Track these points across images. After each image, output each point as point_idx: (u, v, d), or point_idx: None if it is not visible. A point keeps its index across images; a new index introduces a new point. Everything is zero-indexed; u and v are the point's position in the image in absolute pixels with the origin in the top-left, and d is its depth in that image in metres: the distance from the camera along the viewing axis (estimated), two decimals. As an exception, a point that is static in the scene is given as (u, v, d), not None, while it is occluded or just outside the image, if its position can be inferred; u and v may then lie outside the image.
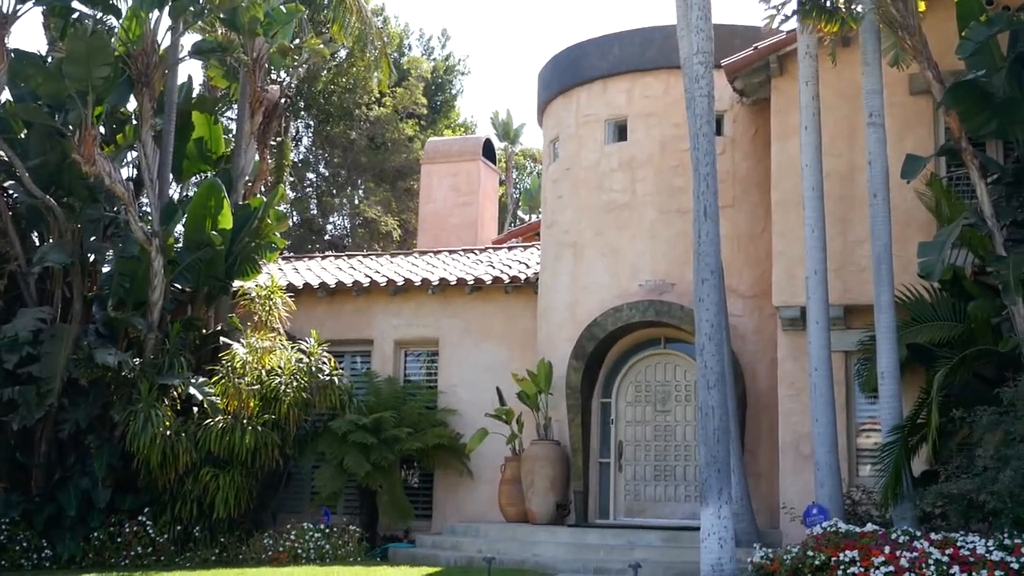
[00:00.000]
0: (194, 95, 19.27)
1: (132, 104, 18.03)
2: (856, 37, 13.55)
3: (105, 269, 17.81)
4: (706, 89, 12.11)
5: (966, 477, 11.75)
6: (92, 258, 17.64)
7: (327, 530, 15.35)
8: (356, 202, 33.70)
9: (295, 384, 16.27)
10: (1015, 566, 10.66)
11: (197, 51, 18.99)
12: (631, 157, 16.29)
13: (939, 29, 13.15)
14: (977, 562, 10.80)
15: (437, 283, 18.15)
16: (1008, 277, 11.86)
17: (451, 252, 21.10)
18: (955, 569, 10.81)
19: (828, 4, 12.75)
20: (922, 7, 12.91)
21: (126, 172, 18.17)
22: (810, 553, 11.54)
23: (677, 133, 15.67)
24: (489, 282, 17.98)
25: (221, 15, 18.00)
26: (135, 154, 18.07)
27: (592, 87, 16.79)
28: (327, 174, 34.32)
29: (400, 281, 18.48)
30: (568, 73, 17.19)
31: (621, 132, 16.55)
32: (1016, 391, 11.66)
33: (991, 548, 10.90)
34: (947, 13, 13.22)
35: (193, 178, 19.89)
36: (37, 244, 17.79)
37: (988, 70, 12.27)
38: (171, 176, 18.13)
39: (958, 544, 11.04)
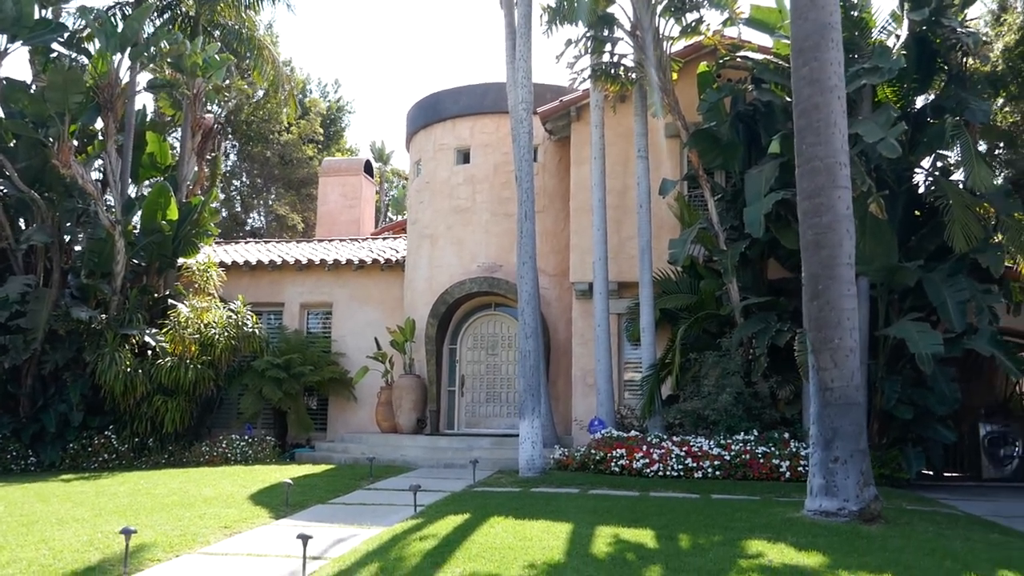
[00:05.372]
0: (147, 119, 18.28)
1: (99, 124, 17.05)
2: (630, 96, 13.91)
3: (77, 248, 16.81)
4: (527, 128, 12.24)
5: (696, 399, 12.28)
6: (67, 239, 16.62)
7: (250, 440, 14.95)
8: (270, 203, 32.66)
9: (226, 334, 15.72)
10: (727, 457, 11.27)
11: (151, 86, 18.15)
12: (472, 175, 16.29)
13: (685, 93, 13.62)
14: (703, 455, 11.36)
15: (332, 262, 17.80)
16: (727, 264, 12.41)
17: (341, 240, 20.75)
18: (689, 460, 11.35)
19: (612, 72, 13.02)
20: (675, 76, 13.31)
21: (94, 175, 17.17)
22: (593, 451, 11.90)
23: (505, 159, 15.80)
24: (369, 262, 17.75)
25: (169, 59, 17.13)
26: (101, 162, 17.18)
27: (445, 124, 16.69)
28: (248, 182, 33.15)
29: (304, 260, 18.07)
30: (428, 113, 17.04)
31: (466, 157, 16.51)
32: (730, 341, 12.24)
33: (712, 446, 11.49)
34: (691, 81, 13.71)
35: (146, 182, 18.89)
36: (23, 228, 16.66)
37: (717, 122, 12.76)
38: (130, 180, 17.21)
39: (691, 444, 11.59)
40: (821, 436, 7.83)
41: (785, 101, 12.56)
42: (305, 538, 5.78)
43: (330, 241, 20.68)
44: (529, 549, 6.26)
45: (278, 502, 8.99)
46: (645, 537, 6.78)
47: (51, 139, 15.62)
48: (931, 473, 13.29)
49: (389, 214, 40.18)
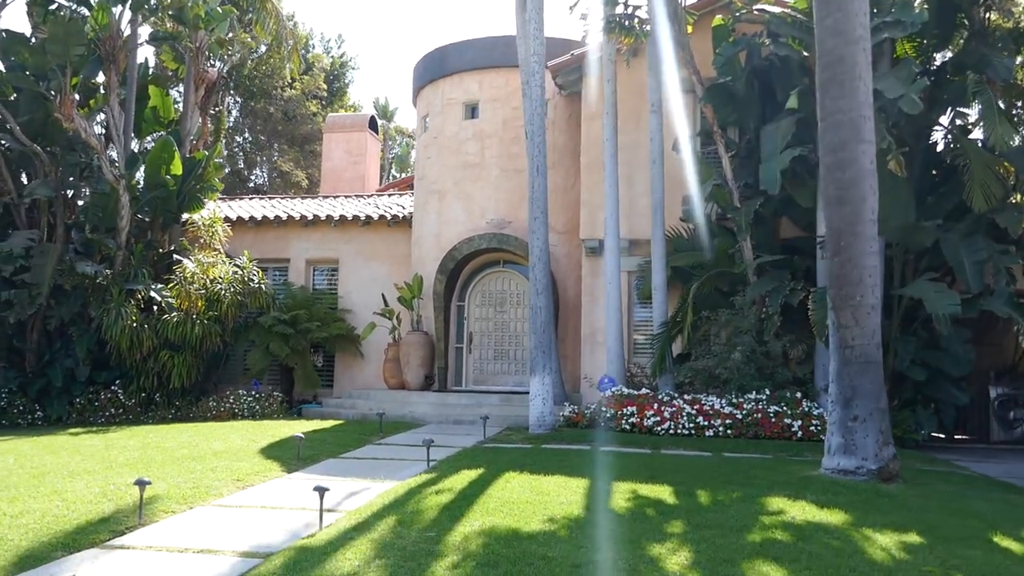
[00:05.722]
0: (149, 73, 17.97)
1: (101, 78, 16.79)
2: (643, 50, 13.62)
3: (80, 203, 16.64)
4: (539, 81, 12.01)
5: (708, 358, 12.17)
6: (71, 194, 16.44)
7: (257, 395, 14.90)
8: (274, 159, 32.34)
9: (232, 290, 15.58)
10: (739, 415, 11.18)
11: (153, 38, 17.83)
12: (481, 130, 16.05)
13: (700, 47, 13.29)
14: (715, 414, 11.27)
15: (338, 218, 17.63)
16: (741, 221, 12.22)
17: (346, 197, 20.54)
18: (700, 419, 11.27)
19: (626, 23, 12.71)
20: (690, 30, 13.01)
21: (96, 130, 16.92)
22: (604, 408, 11.81)
23: (514, 114, 15.56)
24: (376, 218, 17.57)
25: (171, 12, 16.79)
26: (103, 116, 16.97)
27: (453, 78, 16.41)
28: (250, 138, 32.79)
29: (310, 216, 17.88)
30: (436, 68, 16.75)
31: (474, 112, 16.25)
32: (743, 299, 12.10)
33: (724, 405, 11.39)
34: (705, 35, 13.38)
35: (148, 137, 18.66)
36: (25, 182, 16.48)
37: (733, 77, 12.49)
38: (132, 135, 16.95)
39: (703, 402, 11.50)
40: (840, 394, 7.73)
41: (802, 56, 12.32)
42: (322, 490, 5.70)
43: (335, 197, 20.48)
44: (547, 504, 6.18)
45: (289, 456, 8.92)
46: (663, 493, 6.71)
47: (53, 92, 15.40)
48: (942, 436, 13.24)
49: (393, 171, 39.79)
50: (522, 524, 5.57)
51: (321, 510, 5.75)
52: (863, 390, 7.63)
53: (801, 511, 6.08)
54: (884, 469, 7.48)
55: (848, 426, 7.62)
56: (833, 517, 5.93)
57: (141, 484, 5.87)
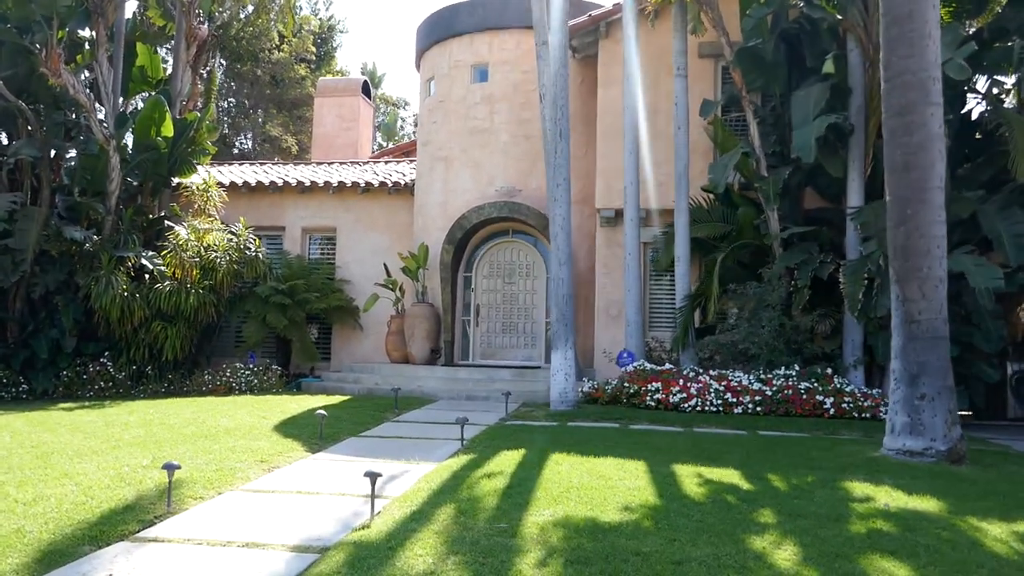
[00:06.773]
0: (137, 30, 17.06)
1: (87, 32, 15.89)
2: (664, 13, 13.04)
3: (65, 165, 15.76)
4: (560, 40, 11.39)
5: (733, 331, 11.72)
6: (55, 154, 15.54)
7: (255, 369, 14.24)
8: (261, 124, 31.30)
9: (228, 258, 14.89)
10: (768, 392, 10.76)
11: (143, -9, 16.89)
12: (490, 94, 15.33)
13: (725, 8, 12.70)
14: (743, 390, 10.85)
15: (336, 185, 16.87)
16: (769, 191, 11.72)
17: (341, 163, 19.76)
18: (728, 395, 10.83)
19: (655, -20, 12.07)
20: (717, -11, 12.41)
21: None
22: (627, 384, 11.37)
23: (526, 77, 14.92)
24: (376, 185, 16.84)
25: (160, -36, 15.95)
26: (89, 73, 16.08)
27: (462, 39, 15.64)
28: (235, 101, 31.72)
29: (307, 182, 17.11)
30: (443, 28, 15.97)
31: (483, 75, 15.48)
32: (772, 272, 11.64)
33: (752, 381, 10.96)
34: (730, -5, 12.75)
35: (136, 97, 17.79)
36: (5, 143, 15.59)
37: (762, 41, 11.93)
38: (120, 94, 16.07)
39: (730, 378, 11.07)
40: (905, 372, 7.28)
41: (835, 19, 11.78)
42: (374, 476, 5.16)
43: (330, 164, 19.69)
44: (614, 490, 5.67)
45: (307, 434, 8.35)
46: (732, 477, 6.22)
47: (38, 45, 14.50)
48: (970, 413, 12.91)
49: (379, 140, 38.86)
50: (598, 513, 5.06)
51: (373, 498, 5.20)
52: (930, 367, 7.18)
53: (890, 497, 5.62)
54: (953, 450, 7.06)
55: (915, 404, 7.17)
56: (927, 504, 5.47)
57: (169, 468, 5.29)
